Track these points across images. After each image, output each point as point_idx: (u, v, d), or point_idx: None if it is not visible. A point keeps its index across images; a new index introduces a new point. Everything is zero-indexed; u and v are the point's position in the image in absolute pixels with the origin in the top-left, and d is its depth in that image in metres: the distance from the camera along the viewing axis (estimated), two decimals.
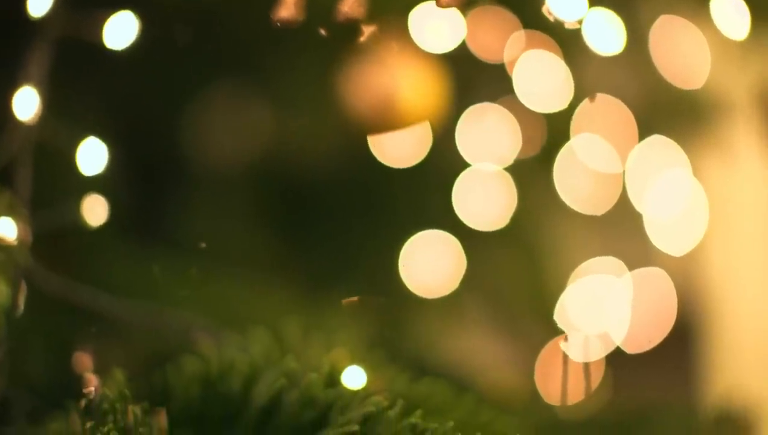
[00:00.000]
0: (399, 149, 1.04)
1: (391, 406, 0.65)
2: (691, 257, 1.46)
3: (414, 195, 1.07)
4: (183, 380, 0.70)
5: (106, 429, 0.63)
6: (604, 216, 1.25)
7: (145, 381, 0.69)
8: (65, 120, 0.78)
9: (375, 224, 1.05)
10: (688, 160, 1.34)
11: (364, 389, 0.68)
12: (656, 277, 1.41)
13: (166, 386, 0.70)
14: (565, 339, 1.18)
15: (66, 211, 0.78)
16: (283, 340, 0.73)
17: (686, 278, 1.51)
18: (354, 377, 0.69)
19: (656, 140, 1.31)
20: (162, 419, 0.66)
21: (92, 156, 0.78)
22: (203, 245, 0.77)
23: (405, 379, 0.72)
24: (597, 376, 1.23)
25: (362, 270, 1.05)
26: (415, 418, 0.64)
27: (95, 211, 0.78)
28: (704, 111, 1.32)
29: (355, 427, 0.64)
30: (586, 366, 1.19)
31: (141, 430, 0.63)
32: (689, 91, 1.31)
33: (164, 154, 1.01)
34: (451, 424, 0.64)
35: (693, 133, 1.33)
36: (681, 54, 1.29)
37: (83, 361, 0.74)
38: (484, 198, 1.07)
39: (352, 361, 0.71)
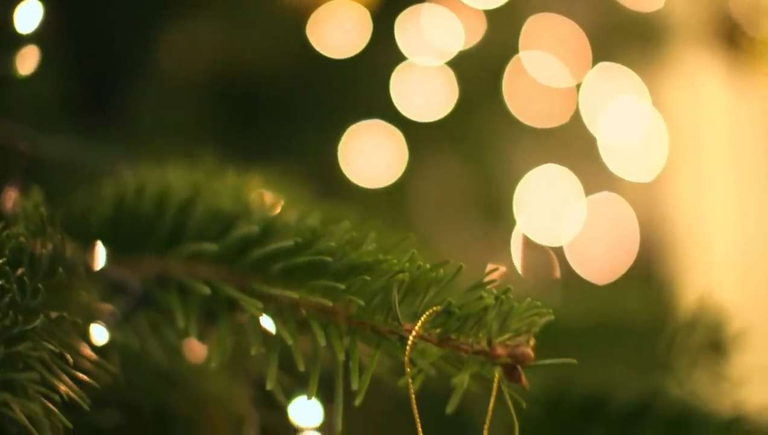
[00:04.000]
0: (338, 40, 1.05)
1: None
2: (652, 185, 1.47)
3: (353, 85, 1.08)
4: (99, 201, 0.72)
5: (17, 230, 0.65)
6: (554, 130, 1.26)
7: (64, 202, 0.72)
8: None
9: (315, 113, 1.07)
10: (644, 85, 1.35)
11: (270, 205, 0.71)
12: (614, 203, 1.42)
13: (84, 207, 0.72)
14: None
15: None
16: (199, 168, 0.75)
17: (647, 206, 1.51)
18: (263, 197, 0.72)
19: (611, 65, 1.32)
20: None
21: (28, 15, 0.81)
22: None
23: (315, 202, 0.74)
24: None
25: (302, 157, 1.06)
26: (312, 220, 0.66)
27: (28, 61, 0.81)
28: (661, 34, 1.33)
29: (255, 229, 0.66)
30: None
31: (49, 230, 0.65)
32: (645, 13, 1.32)
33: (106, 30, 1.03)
34: (347, 224, 0.65)
35: (650, 57, 1.34)
36: None
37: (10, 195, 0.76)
38: (424, 91, 1.08)
39: (264, 186, 0.73)
